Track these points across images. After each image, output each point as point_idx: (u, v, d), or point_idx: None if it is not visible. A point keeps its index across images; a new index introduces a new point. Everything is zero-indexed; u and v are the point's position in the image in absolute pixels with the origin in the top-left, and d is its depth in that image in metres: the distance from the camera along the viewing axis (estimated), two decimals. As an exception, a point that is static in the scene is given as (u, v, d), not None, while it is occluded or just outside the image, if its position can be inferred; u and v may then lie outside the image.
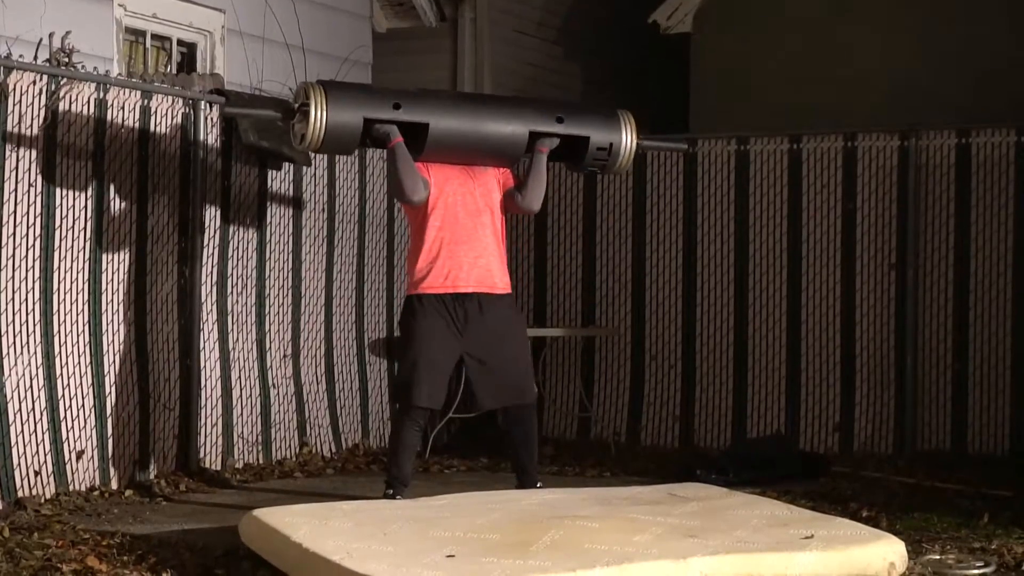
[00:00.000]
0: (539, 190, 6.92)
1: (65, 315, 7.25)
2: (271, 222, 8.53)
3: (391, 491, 6.78)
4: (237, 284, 8.29)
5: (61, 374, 7.20)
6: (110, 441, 7.44)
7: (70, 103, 7.24)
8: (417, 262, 6.79)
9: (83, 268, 7.35)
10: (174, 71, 8.96)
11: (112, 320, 7.51)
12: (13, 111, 6.93)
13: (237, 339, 8.28)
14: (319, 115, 6.54)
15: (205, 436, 8.03)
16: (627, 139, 7.06)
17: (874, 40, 10.92)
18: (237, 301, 8.29)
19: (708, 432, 9.49)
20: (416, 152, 6.72)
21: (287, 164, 8.57)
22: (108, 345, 7.48)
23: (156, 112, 7.75)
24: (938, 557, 5.78)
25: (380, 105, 6.68)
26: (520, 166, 7.18)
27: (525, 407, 6.93)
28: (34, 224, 7.07)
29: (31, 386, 7.03)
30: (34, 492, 6.94)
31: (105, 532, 6.20)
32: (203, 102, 8.01)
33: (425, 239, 6.76)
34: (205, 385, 8.04)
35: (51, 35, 7.28)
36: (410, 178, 6.67)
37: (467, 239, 6.75)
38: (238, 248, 8.30)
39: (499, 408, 6.99)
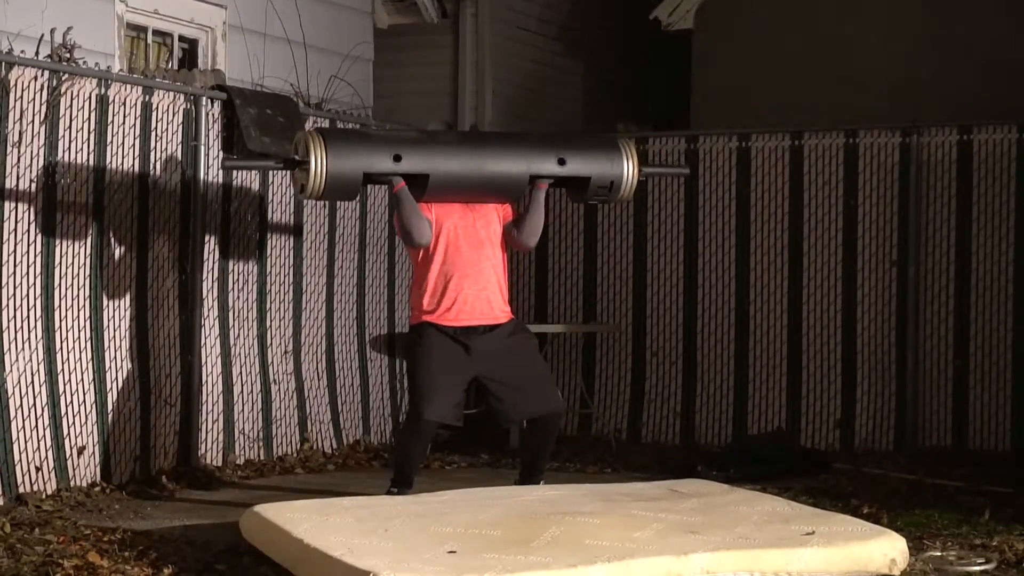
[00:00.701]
0: (537, 226, 6.94)
1: (66, 311, 7.25)
2: (272, 218, 8.53)
3: (395, 489, 6.78)
4: (238, 280, 8.29)
5: (62, 370, 7.20)
6: (111, 437, 7.44)
7: (71, 99, 7.24)
8: (421, 295, 6.82)
9: (84, 264, 7.35)
10: (175, 67, 8.97)
11: (113, 316, 7.51)
12: (15, 107, 6.93)
13: (238, 335, 8.28)
14: (319, 170, 6.58)
15: (206, 432, 8.03)
16: (628, 173, 7.02)
17: (875, 36, 10.91)
18: (238, 297, 8.29)
19: (709, 428, 9.49)
20: (418, 196, 6.75)
21: (288, 160, 8.57)
22: (109, 341, 7.48)
23: (158, 108, 7.75)
24: (939, 554, 5.78)
25: (380, 157, 6.72)
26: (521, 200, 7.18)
27: (552, 414, 6.92)
28: (35, 220, 7.07)
29: (32, 382, 7.03)
30: (35, 488, 6.94)
31: (106, 528, 6.21)
32: (204, 98, 8.00)
33: (429, 273, 6.79)
34: (206, 381, 8.04)
35: (52, 31, 7.28)
36: (417, 223, 6.71)
37: (470, 272, 6.77)
38: (239, 244, 8.30)
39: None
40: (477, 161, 6.82)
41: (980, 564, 5.62)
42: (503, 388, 6.80)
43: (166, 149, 7.81)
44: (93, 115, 7.36)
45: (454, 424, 6.99)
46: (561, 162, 6.91)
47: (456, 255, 6.77)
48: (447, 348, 6.73)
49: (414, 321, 6.89)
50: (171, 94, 7.83)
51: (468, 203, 6.86)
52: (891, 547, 5.33)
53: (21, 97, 6.96)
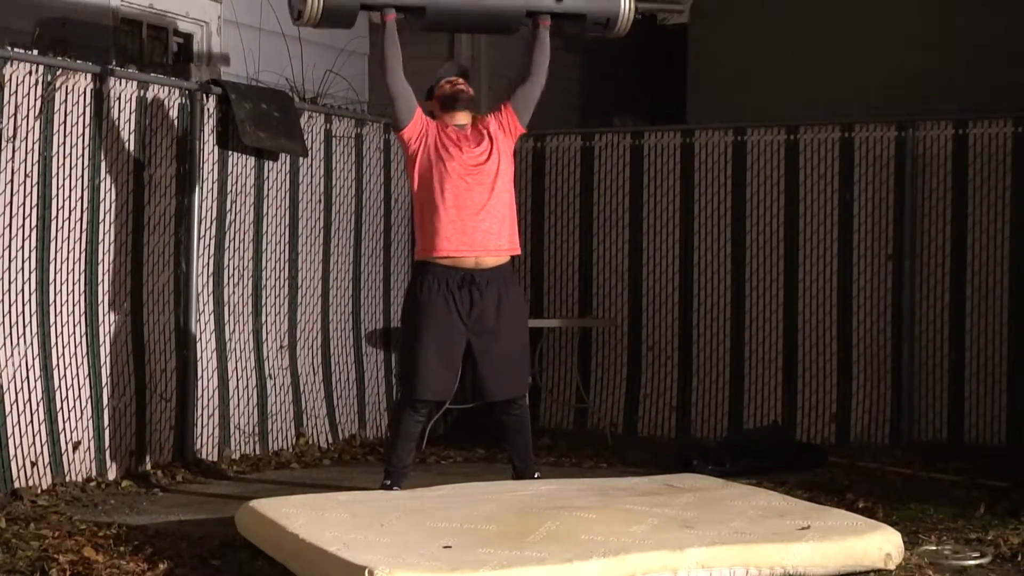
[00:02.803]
0: (547, 62, 6.97)
1: (61, 306, 7.24)
2: (267, 212, 8.52)
3: (388, 482, 6.78)
4: (234, 275, 8.29)
5: (57, 365, 7.20)
6: (107, 432, 7.44)
7: (66, 94, 7.23)
8: (420, 226, 6.81)
9: (79, 259, 7.35)
10: (170, 61, 8.95)
11: (108, 311, 7.51)
12: (9, 101, 6.91)
13: (234, 330, 8.28)
14: None
15: (202, 427, 8.03)
16: (625, 9, 7.09)
17: (871, 30, 10.91)
18: (234, 292, 8.29)
19: (705, 423, 9.49)
20: (416, 18, 6.80)
21: (284, 154, 8.56)
22: (104, 336, 7.47)
23: (152, 102, 7.74)
24: (934, 548, 5.78)
25: None
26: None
27: (520, 397, 6.94)
28: (30, 215, 7.07)
29: (28, 377, 7.03)
30: (31, 483, 6.94)
31: (102, 523, 6.21)
32: (200, 93, 8.00)
33: (427, 208, 6.77)
34: (202, 376, 8.03)
35: (48, 25, 7.26)
36: (392, 58, 6.76)
37: (469, 204, 6.73)
38: (234, 238, 8.29)
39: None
40: None
41: (975, 558, 5.62)
42: (485, 363, 6.78)
43: (161, 144, 7.80)
44: (88, 110, 7.35)
45: (444, 399, 6.99)
46: None
47: (454, 193, 6.73)
48: (443, 314, 6.69)
49: (416, 256, 6.89)
50: (166, 89, 7.82)
51: (466, 134, 6.83)
52: (886, 541, 5.33)
53: (16, 92, 6.95)
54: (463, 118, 6.91)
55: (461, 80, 6.99)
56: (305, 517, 5.48)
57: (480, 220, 6.73)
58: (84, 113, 7.33)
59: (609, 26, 7.08)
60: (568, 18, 7.07)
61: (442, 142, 6.81)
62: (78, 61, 7.29)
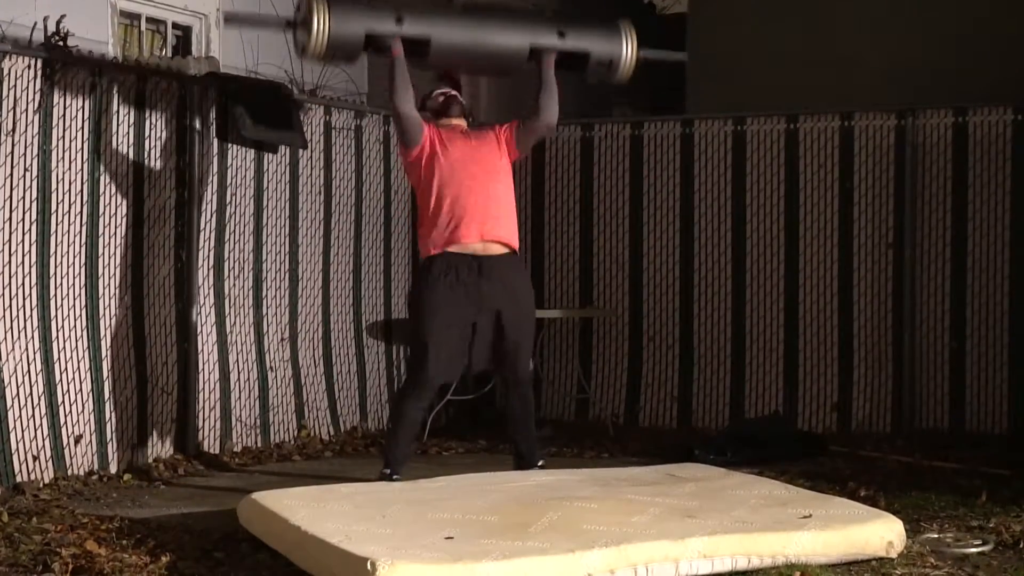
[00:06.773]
0: (553, 102, 6.96)
1: (62, 299, 7.24)
2: (268, 205, 8.52)
3: (388, 470, 6.80)
4: (234, 267, 8.29)
5: (59, 358, 7.20)
6: (108, 425, 7.44)
7: (65, 87, 7.22)
8: (425, 222, 6.85)
9: (80, 252, 7.35)
10: (169, 54, 8.95)
11: (109, 304, 7.51)
12: (8, 95, 6.91)
13: (235, 323, 8.28)
14: (321, 27, 6.60)
15: (203, 420, 8.03)
16: (628, 52, 7.12)
17: (871, 19, 10.90)
18: (234, 284, 8.29)
19: (706, 412, 9.50)
20: (419, 59, 6.81)
21: (283, 147, 8.56)
22: (105, 329, 7.48)
23: (151, 95, 7.73)
24: (936, 536, 5.79)
25: (382, 18, 6.75)
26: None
27: (521, 384, 6.96)
28: (30, 209, 7.07)
29: (29, 371, 7.03)
30: (32, 477, 6.94)
31: (104, 516, 6.21)
32: (198, 85, 7.98)
33: (431, 199, 6.82)
34: (203, 369, 8.04)
35: (46, 19, 7.26)
36: (403, 90, 6.76)
37: (473, 193, 6.79)
38: (235, 231, 8.29)
39: (498, 389, 7.02)
40: (478, 29, 6.89)
41: (977, 546, 5.63)
42: (488, 344, 6.83)
43: (160, 137, 7.80)
44: (87, 103, 7.35)
45: (452, 381, 7.00)
46: (561, 35, 6.99)
47: (457, 180, 6.79)
48: (450, 299, 6.73)
49: (423, 255, 6.90)
50: (165, 82, 7.82)
51: (469, 133, 6.92)
52: (888, 530, 5.34)
53: (15, 86, 6.95)
54: (457, 122, 6.99)
55: (452, 91, 7.06)
56: (307, 509, 5.48)
57: (487, 207, 6.77)
58: (83, 106, 7.32)
59: (613, 68, 7.10)
60: (572, 60, 7.07)
61: (443, 138, 6.86)
62: (77, 54, 7.28)
